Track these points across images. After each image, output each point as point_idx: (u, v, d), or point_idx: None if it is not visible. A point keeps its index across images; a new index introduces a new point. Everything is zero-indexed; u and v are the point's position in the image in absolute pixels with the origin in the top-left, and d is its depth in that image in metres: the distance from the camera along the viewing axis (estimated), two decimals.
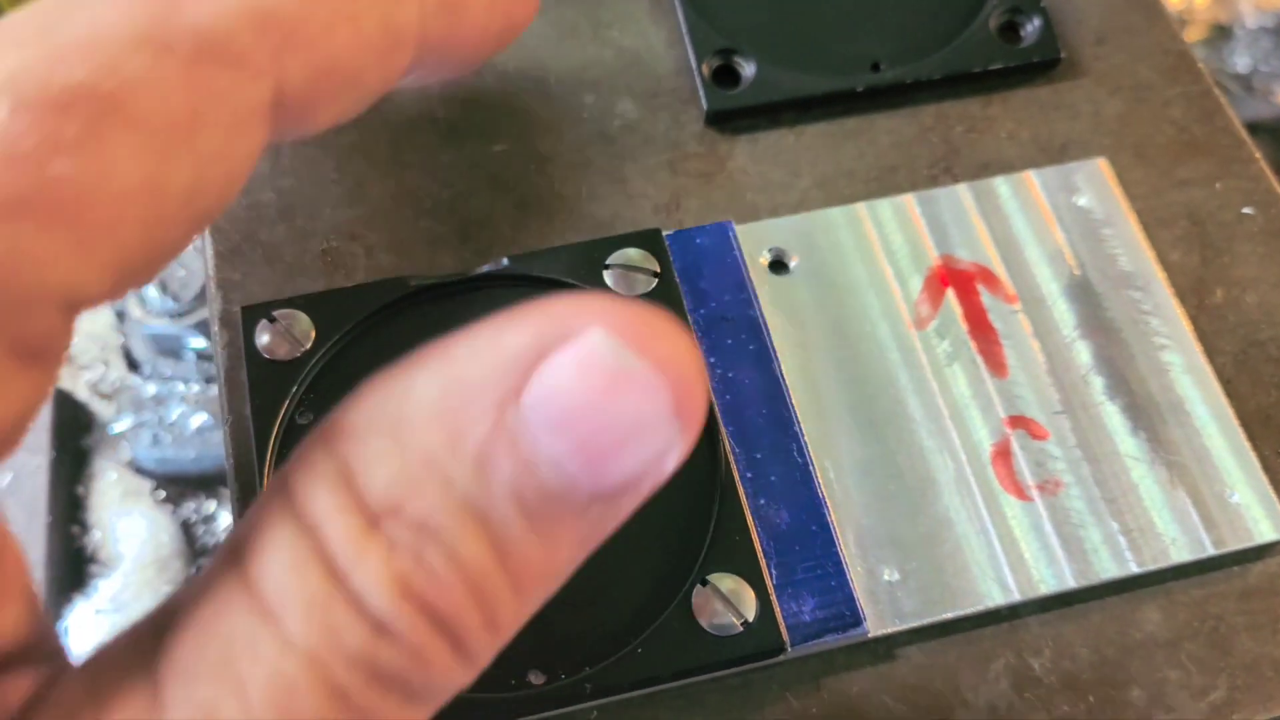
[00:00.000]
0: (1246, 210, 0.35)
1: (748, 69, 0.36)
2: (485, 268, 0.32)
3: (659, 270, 0.32)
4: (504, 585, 0.16)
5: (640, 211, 0.35)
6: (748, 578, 0.28)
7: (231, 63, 0.17)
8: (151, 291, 0.50)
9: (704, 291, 0.32)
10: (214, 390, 0.33)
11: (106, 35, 0.15)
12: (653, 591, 0.28)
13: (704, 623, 0.28)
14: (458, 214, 0.34)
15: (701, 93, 0.36)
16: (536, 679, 0.27)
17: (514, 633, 0.17)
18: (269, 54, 0.17)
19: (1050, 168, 0.35)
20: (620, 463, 0.16)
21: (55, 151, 0.14)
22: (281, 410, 0.30)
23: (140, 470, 0.52)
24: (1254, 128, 0.70)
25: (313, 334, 0.31)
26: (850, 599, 0.29)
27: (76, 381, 0.55)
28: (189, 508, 0.52)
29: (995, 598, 0.29)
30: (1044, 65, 0.37)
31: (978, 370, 0.32)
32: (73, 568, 0.50)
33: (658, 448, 0.16)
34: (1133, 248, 0.34)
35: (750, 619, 0.28)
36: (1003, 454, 0.31)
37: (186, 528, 0.52)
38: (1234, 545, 0.30)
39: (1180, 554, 0.30)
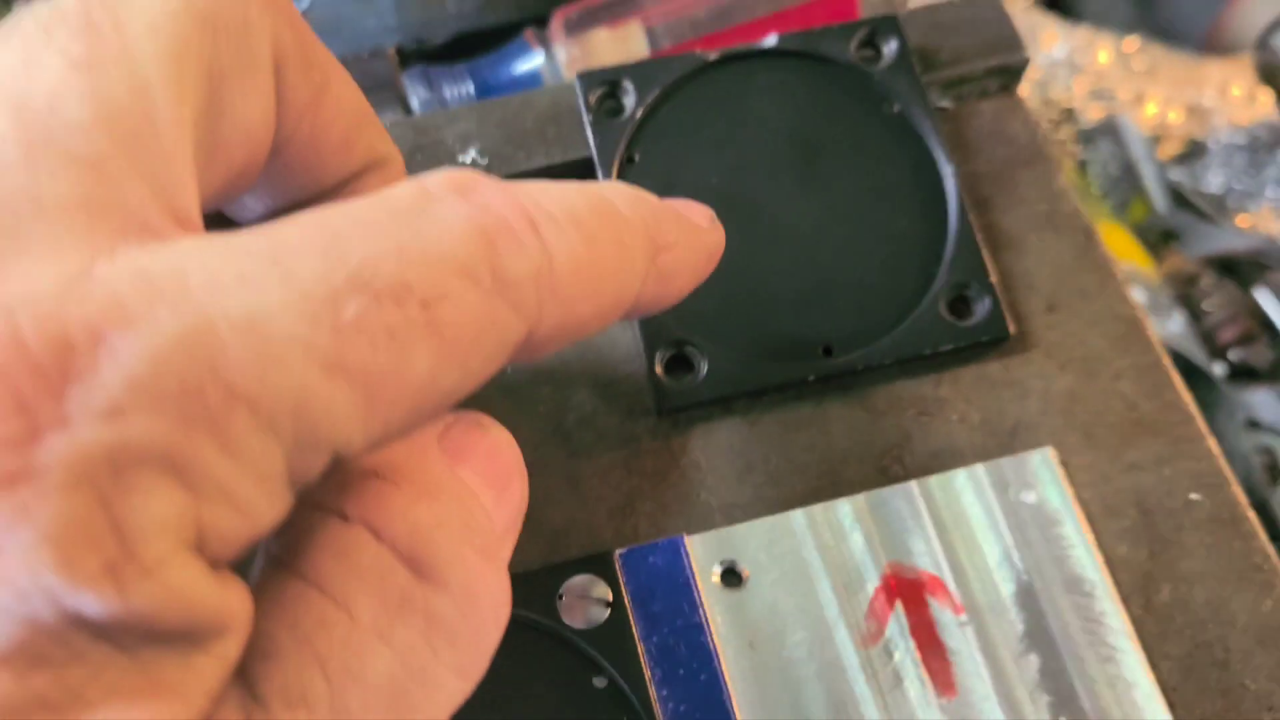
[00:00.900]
0: (1194, 496, 0.36)
1: (701, 360, 0.37)
2: None
3: (611, 600, 0.33)
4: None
5: (595, 516, 0.35)
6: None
7: (513, 309, 0.20)
8: None
9: (656, 616, 0.33)
10: None
11: (444, 254, 0.19)
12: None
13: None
14: None
15: (653, 389, 0.36)
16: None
17: None
18: (536, 305, 0.21)
19: (1001, 459, 0.36)
20: None
21: (378, 335, 0.18)
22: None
23: None
24: (1226, 264, 0.70)
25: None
26: None
27: None
28: None
29: None
30: (994, 342, 0.38)
31: (926, 691, 0.33)
32: None
33: None
34: (1081, 548, 0.35)
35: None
36: None
37: None
38: None
39: None
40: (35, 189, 0.19)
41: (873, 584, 0.34)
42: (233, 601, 0.18)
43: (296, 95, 0.25)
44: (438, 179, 0.21)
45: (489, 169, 0.40)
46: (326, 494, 0.20)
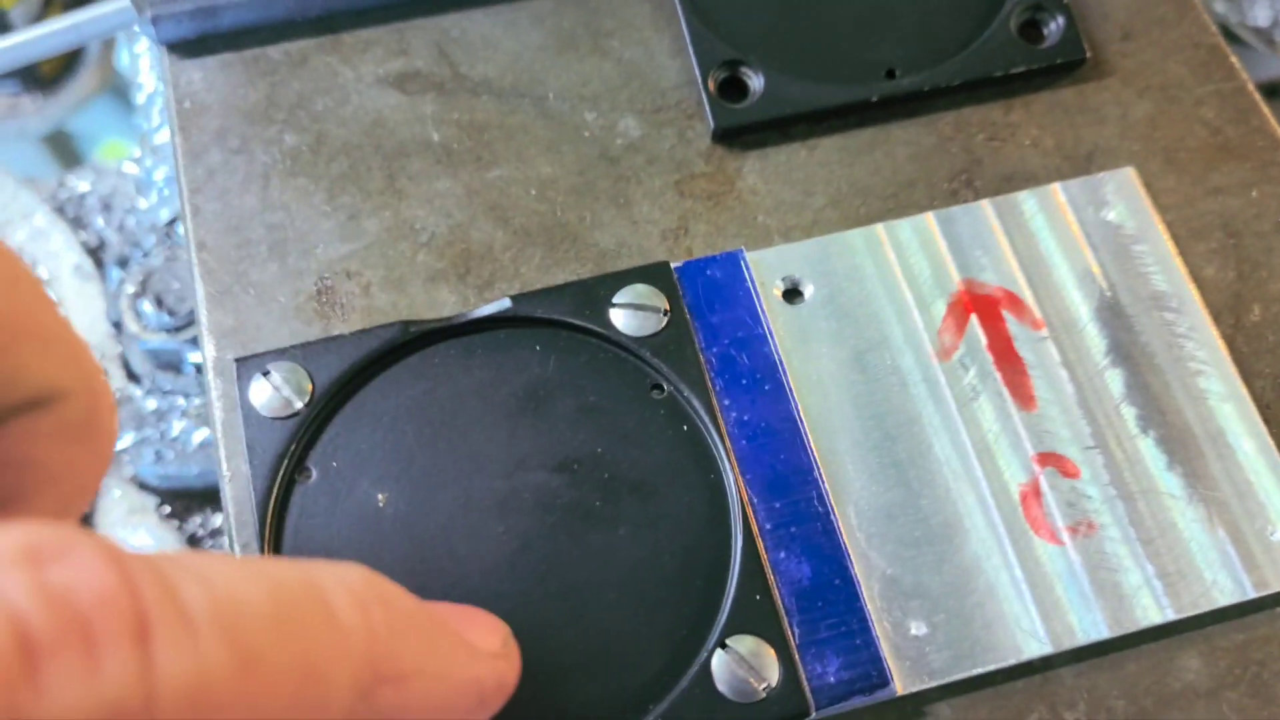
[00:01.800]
0: None
1: (756, 81, 0.34)
2: (486, 309, 0.31)
3: (669, 308, 0.30)
4: None
5: (647, 238, 0.33)
6: (769, 639, 0.27)
7: None
8: (146, 306, 0.49)
9: (716, 327, 0.31)
10: None
11: None
12: (671, 655, 0.27)
13: (724, 689, 0.27)
14: (455, 246, 0.33)
15: (708, 109, 0.34)
16: None
17: None
18: None
19: (1077, 180, 0.33)
20: None
21: None
22: (281, 470, 0.29)
23: (144, 486, 0.51)
24: (1273, 88, 0.68)
25: (309, 387, 0.30)
26: (877, 658, 0.27)
27: None
28: (194, 522, 0.52)
29: (1027, 651, 0.28)
30: (1068, 66, 0.35)
31: (1004, 404, 0.31)
32: None
33: None
34: (1165, 265, 0.32)
35: (773, 683, 0.27)
36: (1033, 495, 0.30)
37: (193, 542, 0.51)
38: (1276, 587, 0.29)
39: (1221, 598, 0.29)
40: None
41: (945, 300, 0.32)
42: None
43: None
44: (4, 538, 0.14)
45: None
46: None
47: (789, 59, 0.35)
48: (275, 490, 0.29)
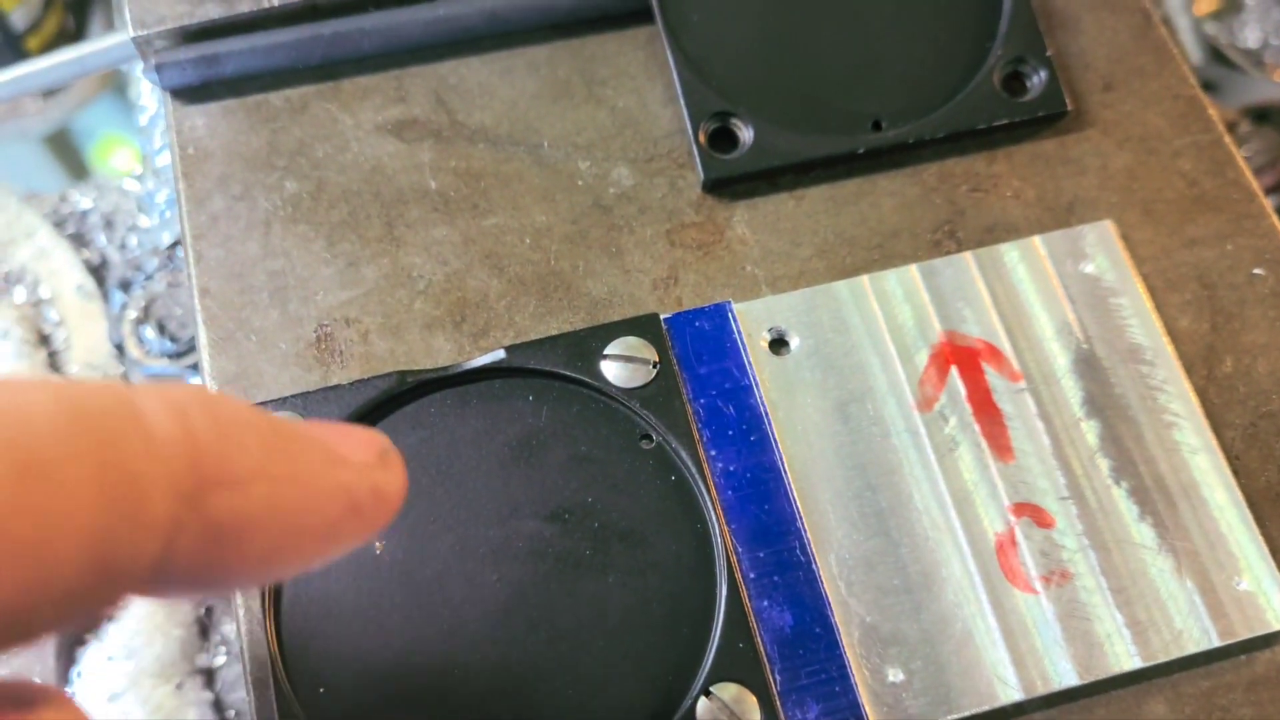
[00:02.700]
0: (1257, 271, 0.35)
1: (745, 132, 0.35)
2: (481, 360, 0.32)
3: (658, 360, 0.31)
4: None
5: (638, 288, 0.34)
6: (752, 686, 0.28)
7: None
8: (149, 333, 0.50)
9: (704, 378, 0.32)
10: None
11: None
12: (657, 702, 0.28)
13: None
14: (452, 294, 0.34)
15: (698, 160, 0.35)
16: None
17: None
18: None
19: (1057, 232, 0.34)
20: None
21: None
22: None
23: None
24: (1263, 113, 0.69)
25: None
26: (855, 704, 0.29)
27: None
28: None
29: (1000, 697, 0.29)
30: (1050, 119, 0.36)
31: (983, 455, 0.32)
32: None
33: None
34: (1142, 318, 0.33)
35: None
36: (1009, 544, 0.31)
37: None
38: (1241, 635, 0.30)
39: (1189, 646, 0.30)
40: None
41: (926, 352, 0.33)
42: None
43: None
44: None
45: None
46: None
47: (778, 111, 0.35)
48: None
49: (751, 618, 0.29)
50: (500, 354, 0.31)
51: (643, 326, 0.32)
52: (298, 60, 0.36)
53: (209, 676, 0.50)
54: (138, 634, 0.48)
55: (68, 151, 0.74)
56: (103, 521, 0.15)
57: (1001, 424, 0.32)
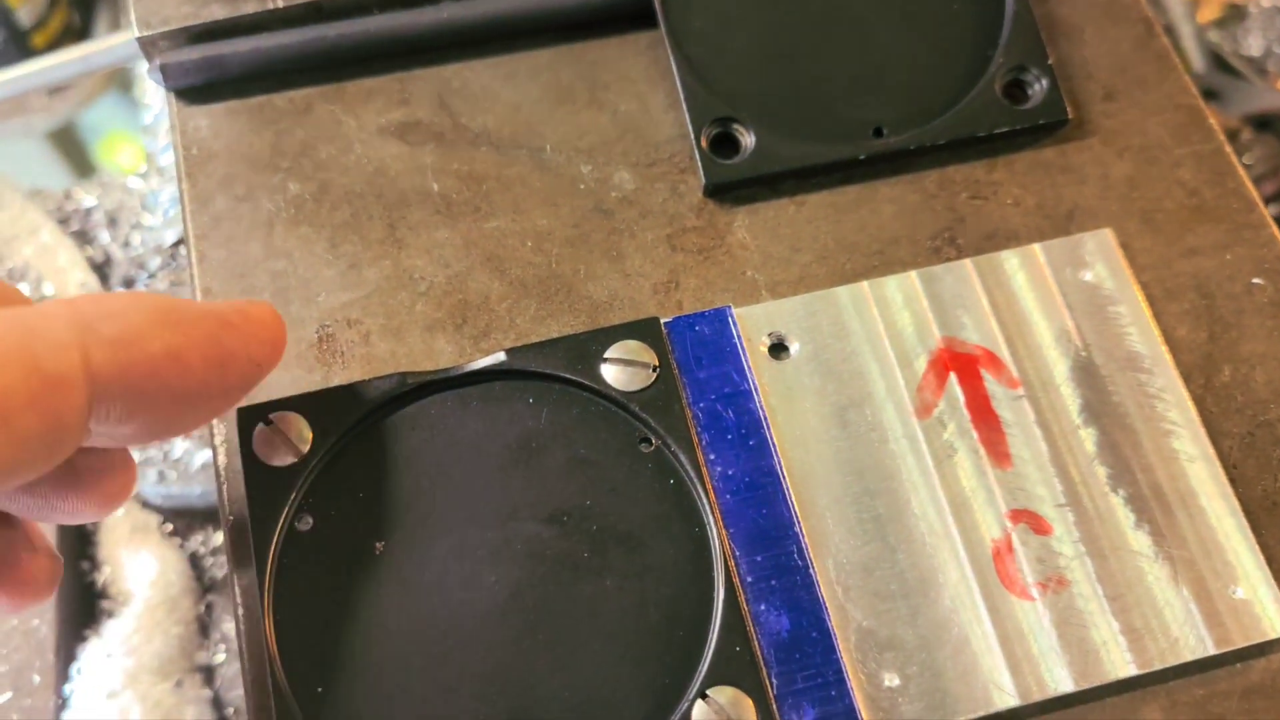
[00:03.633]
0: (1256, 280, 0.35)
1: (747, 138, 0.35)
2: (481, 362, 0.32)
3: (658, 364, 0.32)
4: None
5: (639, 291, 0.34)
6: (748, 690, 0.28)
7: None
8: None
9: (704, 383, 0.32)
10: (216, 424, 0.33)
11: None
12: (653, 705, 0.28)
13: None
14: (453, 296, 0.34)
15: (700, 165, 0.35)
16: None
17: None
18: None
19: (1057, 240, 0.35)
20: None
21: None
22: (281, 518, 0.30)
23: (147, 505, 0.52)
24: (1265, 121, 0.69)
25: (309, 436, 0.31)
26: (851, 709, 0.29)
27: None
28: (196, 540, 0.53)
29: (996, 703, 0.29)
30: (1051, 127, 0.36)
31: (980, 461, 0.32)
32: (84, 604, 0.51)
33: None
34: (1140, 326, 0.34)
35: None
36: (1006, 550, 0.31)
37: (195, 560, 0.52)
38: (1237, 644, 0.30)
39: (1183, 654, 0.30)
40: None
41: (925, 358, 0.33)
42: None
43: None
44: None
45: None
46: None
47: (780, 116, 0.36)
48: (276, 537, 0.30)
49: (749, 622, 0.29)
50: (501, 356, 0.32)
51: (643, 330, 0.32)
52: (302, 62, 0.36)
53: (208, 674, 0.51)
54: (137, 631, 0.48)
55: (73, 148, 0.74)
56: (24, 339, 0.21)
57: (999, 431, 0.32)
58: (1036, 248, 0.34)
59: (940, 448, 0.32)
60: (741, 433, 0.31)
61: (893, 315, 0.33)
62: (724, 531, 0.30)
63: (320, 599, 0.29)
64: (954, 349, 0.33)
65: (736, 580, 0.30)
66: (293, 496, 0.30)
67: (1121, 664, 0.30)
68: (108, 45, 0.47)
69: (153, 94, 0.61)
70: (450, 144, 0.36)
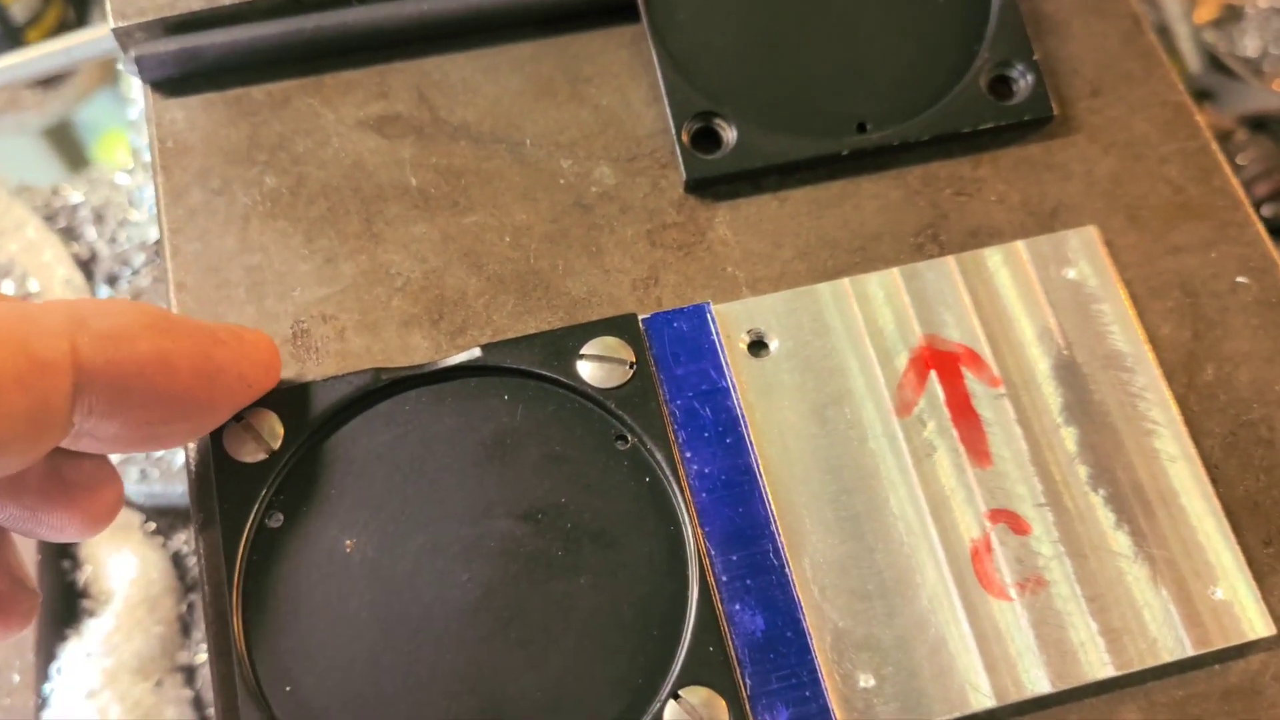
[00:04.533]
0: (1241, 279, 0.34)
1: (729, 133, 0.35)
2: (457, 358, 0.31)
3: (635, 360, 0.31)
4: None
5: (618, 287, 0.34)
6: (722, 690, 0.28)
7: None
8: None
9: (681, 380, 0.32)
10: None
11: None
12: (625, 705, 0.28)
13: None
14: (430, 292, 0.34)
15: (681, 160, 0.35)
16: None
17: None
18: None
19: (1041, 237, 0.34)
20: None
21: None
22: (250, 515, 0.29)
23: (129, 504, 0.52)
24: (1260, 121, 0.68)
25: (281, 432, 0.30)
26: (825, 709, 0.28)
27: None
28: (179, 539, 0.52)
29: (973, 704, 0.29)
30: (1036, 123, 0.36)
31: (960, 460, 0.31)
32: (65, 603, 0.50)
33: None
34: (1124, 324, 0.33)
35: None
36: (984, 550, 0.30)
37: (177, 559, 0.52)
38: (1216, 645, 0.30)
39: (1162, 655, 0.29)
40: None
41: (906, 356, 0.33)
42: None
43: None
44: None
45: None
46: None
47: (762, 111, 0.35)
48: (245, 534, 0.29)
49: (723, 621, 0.29)
50: (476, 352, 0.31)
51: (620, 326, 0.32)
52: (280, 54, 0.36)
53: (190, 674, 0.50)
54: (118, 630, 0.48)
55: (68, 145, 0.74)
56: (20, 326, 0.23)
57: (980, 429, 0.32)
58: (1020, 245, 0.34)
59: (920, 446, 0.31)
60: (719, 430, 0.31)
61: (874, 312, 0.33)
62: (699, 530, 0.30)
63: (290, 597, 0.29)
64: (935, 347, 0.33)
65: (711, 579, 0.29)
66: (263, 493, 0.30)
67: (1100, 665, 0.29)
68: (90, 38, 0.46)
69: (139, 89, 0.60)
70: (429, 137, 0.36)
